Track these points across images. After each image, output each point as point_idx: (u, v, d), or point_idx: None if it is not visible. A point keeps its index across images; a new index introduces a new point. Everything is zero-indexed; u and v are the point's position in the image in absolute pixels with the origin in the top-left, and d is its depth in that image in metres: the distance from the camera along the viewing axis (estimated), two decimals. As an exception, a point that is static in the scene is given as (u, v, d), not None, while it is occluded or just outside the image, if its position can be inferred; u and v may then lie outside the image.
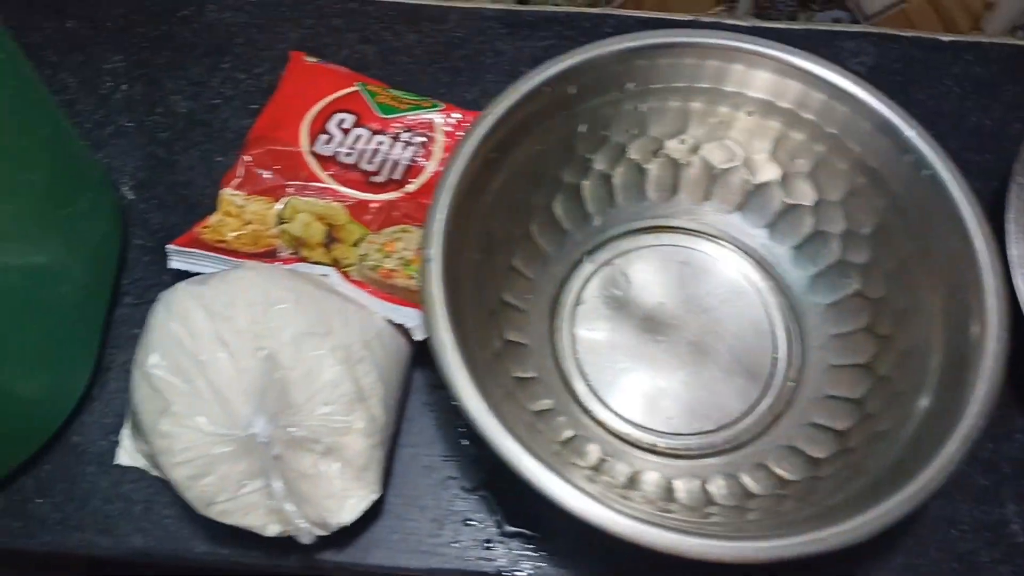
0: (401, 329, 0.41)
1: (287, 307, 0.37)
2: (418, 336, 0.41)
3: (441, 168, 0.44)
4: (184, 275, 0.44)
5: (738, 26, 0.52)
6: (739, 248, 0.46)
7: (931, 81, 0.51)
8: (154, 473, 0.40)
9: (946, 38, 0.52)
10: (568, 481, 0.33)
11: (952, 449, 0.34)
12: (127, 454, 0.41)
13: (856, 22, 0.52)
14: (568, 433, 0.41)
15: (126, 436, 0.41)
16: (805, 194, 0.44)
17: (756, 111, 0.44)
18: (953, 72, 0.51)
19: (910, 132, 0.40)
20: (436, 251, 0.37)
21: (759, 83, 0.43)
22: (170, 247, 0.44)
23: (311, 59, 0.48)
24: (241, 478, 0.36)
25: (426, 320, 0.36)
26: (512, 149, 0.41)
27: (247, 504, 0.36)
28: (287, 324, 0.37)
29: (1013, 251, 0.41)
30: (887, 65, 0.51)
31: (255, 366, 0.36)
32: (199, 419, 0.35)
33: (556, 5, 0.53)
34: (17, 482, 0.41)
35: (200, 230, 0.44)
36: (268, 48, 0.52)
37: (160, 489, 0.41)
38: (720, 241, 0.47)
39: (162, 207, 0.47)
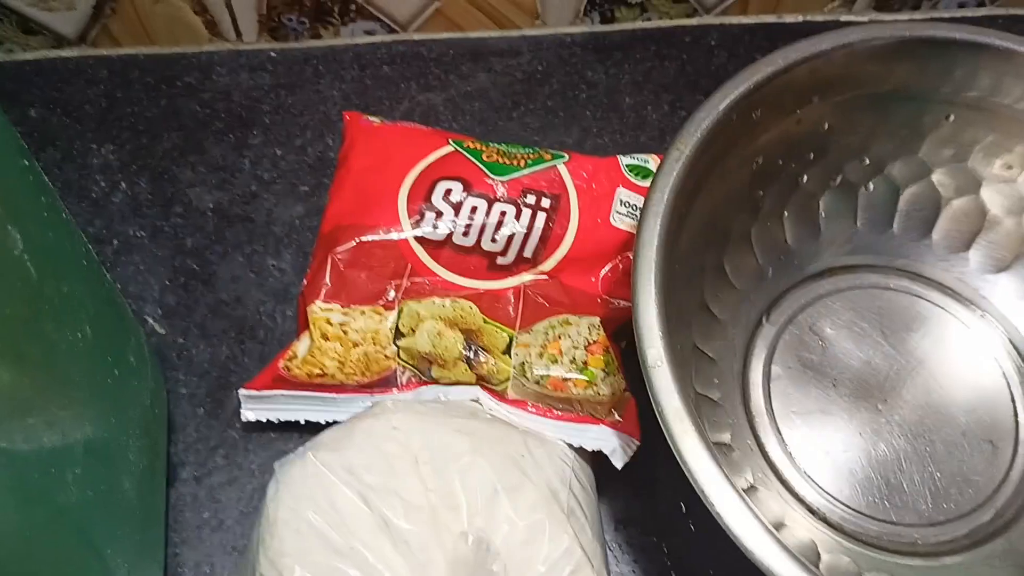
0: (584, 453, 0.31)
1: (468, 458, 0.26)
2: (619, 462, 0.30)
3: (582, 233, 0.35)
4: (261, 427, 0.33)
5: (857, 23, 0.45)
6: (942, 285, 0.38)
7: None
8: None
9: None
10: None
11: None
12: None
13: (981, 4, 0.45)
14: (807, 541, 0.32)
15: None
16: None
17: (950, 111, 0.36)
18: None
19: None
20: (659, 351, 0.27)
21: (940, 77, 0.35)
22: (243, 392, 0.32)
23: (375, 119, 0.38)
24: None
25: (669, 428, 0.26)
26: (693, 198, 0.32)
27: None
28: (476, 481, 0.26)
29: None
30: None
31: (458, 554, 0.25)
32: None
33: (648, 19, 0.44)
34: None
35: (284, 363, 0.32)
36: (305, 112, 0.41)
37: None
38: (918, 278, 0.38)
39: (206, 338, 0.36)
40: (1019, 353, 0.37)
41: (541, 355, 0.32)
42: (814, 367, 0.37)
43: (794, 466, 0.34)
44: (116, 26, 0.41)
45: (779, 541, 0.25)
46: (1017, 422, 0.36)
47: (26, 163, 0.24)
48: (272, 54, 0.42)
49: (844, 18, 0.45)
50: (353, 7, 0.41)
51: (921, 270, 0.39)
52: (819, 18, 0.45)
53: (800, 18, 0.45)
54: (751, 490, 0.33)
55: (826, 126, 0.36)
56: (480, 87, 0.42)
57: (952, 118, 0.36)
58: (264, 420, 0.33)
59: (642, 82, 0.43)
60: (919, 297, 0.38)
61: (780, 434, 0.35)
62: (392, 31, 0.43)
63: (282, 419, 0.33)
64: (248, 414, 0.33)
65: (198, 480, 0.33)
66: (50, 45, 0.42)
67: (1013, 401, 0.36)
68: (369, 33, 0.43)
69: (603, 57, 0.43)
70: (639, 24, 0.44)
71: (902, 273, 0.39)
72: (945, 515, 0.34)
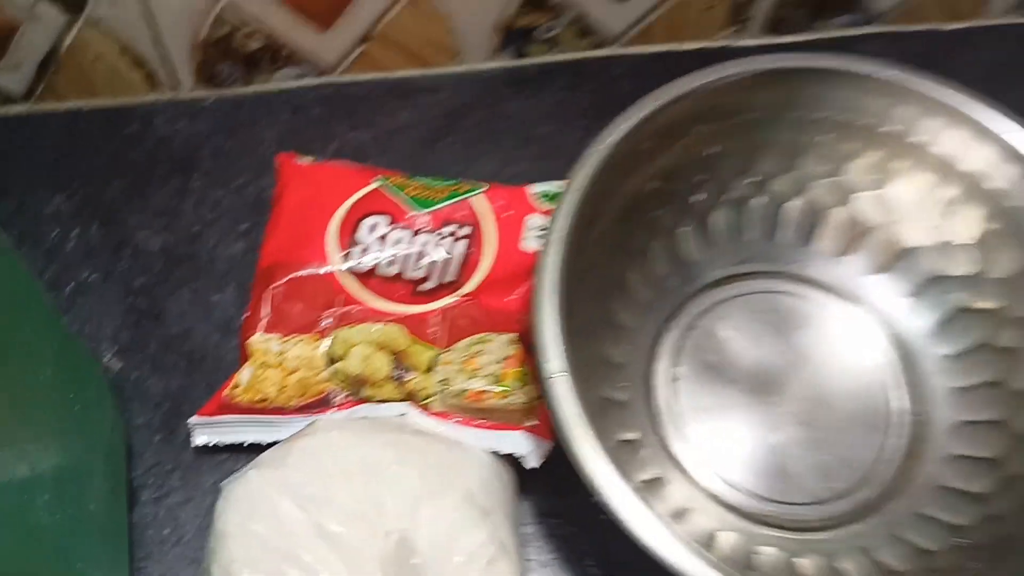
0: (504, 457, 0.35)
1: (394, 468, 0.30)
2: (531, 463, 0.34)
3: (500, 258, 0.38)
4: (211, 451, 0.36)
5: (752, 47, 0.49)
6: (816, 281, 0.42)
7: (952, 69, 0.48)
8: None
9: (949, 27, 0.50)
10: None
11: None
12: None
13: (867, 23, 0.50)
14: (709, 528, 0.36)
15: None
16: (919, 231, 0.41)
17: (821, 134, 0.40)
18: (969, 58, 0.49)
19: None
20: (559, 362, 0.31)
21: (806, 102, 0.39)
22: (194, 420, 0.36)
23: (305, 160, 0.41)
24: None
25: (566, 435, 0.30)
26: (593, 220, 0.36)
27: None
28: (400, 489, 0.30)
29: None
30: (907, 59, 0.49)
31: (384, 554, 0.28)
32: (327, 644, 0.27)
33: (558, 53, 0.48)
34: None
35: (229, 392, 0.35)
36: (243, 155, 0.44)
37: None
38: (800, 280, 0.43)
39: (158, 370, 0.39)
40: (892, 345, 0.41)
41: (462, 371, 0.35)
42: (713, 367, 0.41)
43: (697, 458, 0.38)
44: (60, 82, 0.44)
45: (668, 527, 0.29)
46: (889, 409, 0.40)
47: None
48: (209, 101, 0.46)
49: (739, 43, 0.49)
50: (283, 54, 0.45)
51: (807, 274, 0.43)
52: (716, 44, 0.49)
53: (698, 45, 0.49)
54: (657, 482, 0.37)
55: (711, 151, 0.40)
56: (406, 123, 0.46)
57: (823, 138, 0.41)
58: (214, 444, 0.36)
59: (555, 112, 0.46)
60: (806, 299, 0.42)
61: (683, 430, 0.39)
62: (321, 74, 0.46)
63: (230, 442, 0.36)
64: (199, 439, 0.36)
65: (157, 501, 0.36)
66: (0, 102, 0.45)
67: (889, 386, 0.41)
68: (299, 77, 0.46)
69: (519, 90, 0.47)
70: (550, 57, 0.48)
71: (790, 278, 0.43)
72: (831, 494, 0.38)
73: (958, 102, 0.38)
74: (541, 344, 0.31)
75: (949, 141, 0.38)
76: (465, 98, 0.46)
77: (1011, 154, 0.37)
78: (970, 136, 0.38)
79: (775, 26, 0.49)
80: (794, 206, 0.42)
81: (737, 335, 0.41)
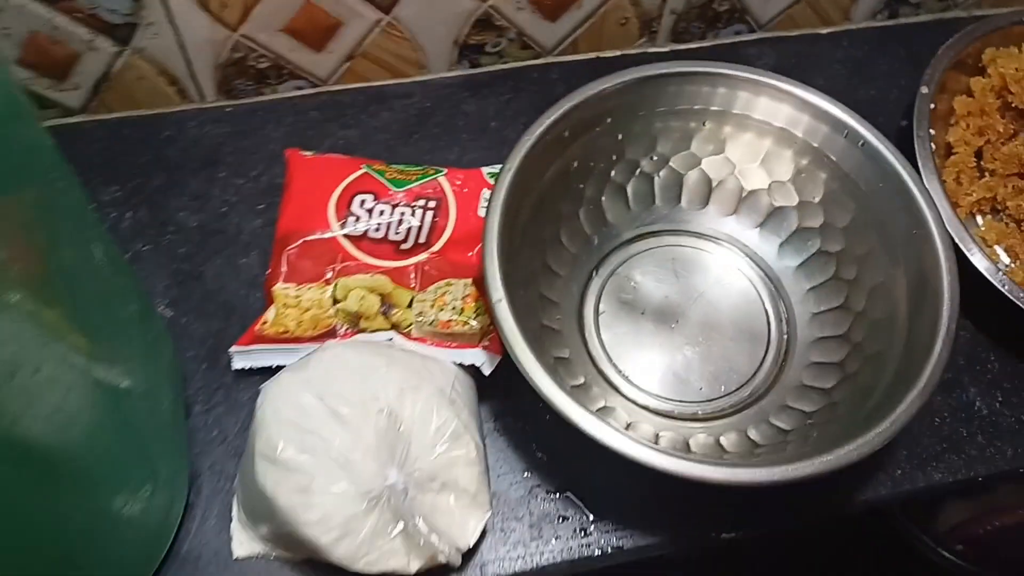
0: (467, 368, 0.46)
1: (384, 371, 0.42)
2: (487, 370, 0.46)
3: (459, 224, 0.50)
4: (246, 374, 0.48)
5: (662, 53, 0.61)
6: (713, 235, 0.55)
7: (822, 67, 0.61)
8: (275, 554, 0.43)
9: (824, 31, 0.63)
10: (623, 433, 0.40)
11: (939, 352, 0.43)
12: (242, 545, 0.44)
13: (753, 31, 0.62)
14: (624, 419, 0.48)
15: (237, 529, 0.44)
16: (760, 180, 0.53)
17: (706, 119, 0.52)
18: (837, 57, 0.62)
19: (842, 112, 0.49)
20: (500, 293, 0.43)
21: (693, 96, 0.51)
22: (234, 349, 0.47)
23: (308, 153, 0.53)
24: (384, 527, 0.40)
25: (509, 345, 0.42)
26: (524, 196, 0.48)
27: (390, 550, 0.41)
28: (388, 384, 0.42)
29: (930, 190, 0.51)
30: (785, 61, 0.61)
31: (378, 425, 0.40)
32: (340, 484, 0.39)
33: (505, 62, 0.59)
34: (145, 603, 0.43)
35: (259, 327, 0.47)
36: (257, 150, 0.56)
37: (282, 566, 0.44)
38: (696, 233, 0.55)
39: (201, 317, 0.50)
40: (769, 282, 0.53)
41: (433, 306, 0.47)
42: (629, 303, 0.53)
43: (615, 369, 0.50)
44: (109, 97, 0.56)
45: (587, 408, 0.40)
46: (769, 326, 0.52)
47: (90, 207, 0.39)
48: (228, 109, 0.57)
49: (651, 49, 0.61)
50: (285, 71, 0.56)
51: (703, 230, 0.55)
52: (632, 51, 0.61)
53: (617, 52, 0.61)
54: (584, 386, 0.49)
55: (620, 136, 0.52)
56: (384, 123, 0.57)
57: (707, 124, 0.53)
58: (248, 368, 0.48)
59: (503, 110, 0.58)
60: (701, 249, 0.54)
61: (605, 349, 0.51)
62: (316, 85, 0.58)
63: (261, 365, 0.48)
64: (237, 364, 0.48)
65: (207, 412, 0.48)
66: (61, 115, 0.56)
67: (767, 313, 0.53)
68: (299, 88, 0.58)
69: (474, 93, 0.59)
70: (499, 66, 0.60)
71: (690, 234, 0.55)
72: (717, 394, 0.50)
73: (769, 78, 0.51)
74: (487, 282, 0.43)
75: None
76: (431, 101, 0.58)
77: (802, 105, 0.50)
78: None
79: (678, 36, 0.61)
80: (689, 177, 0.54)
81: (646, 279, 0.53)
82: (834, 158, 0.50)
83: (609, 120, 0.50)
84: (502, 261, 0.44)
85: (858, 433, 0.41)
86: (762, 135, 0.52)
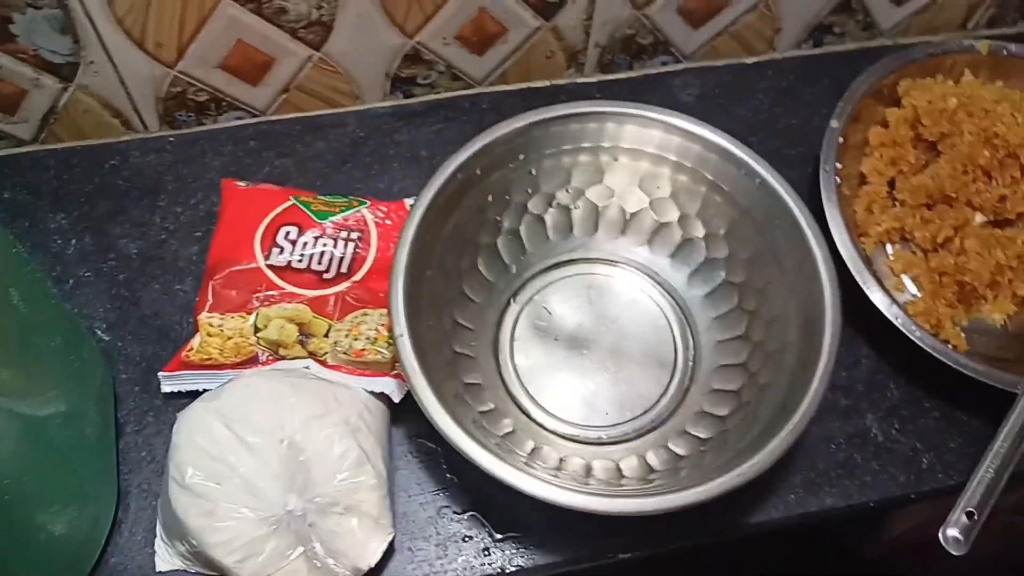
0: (379, 396, 0.49)
1: (292, 400, 0.45)
2: (396, 398, 0.49)
3: (380, 254, 0.53)
4: (175, 396, 0.51)
5: (590, 83, 0.63)
6: (628, 264, 0.57)
7: (746, 97, 0.63)
8: (194, 569, 0.47)
9: (749, 60, 0.64)
10: (514, 466, 0.42)
11: (817, 386, 0.45)
12: (164, 560, 0.47)
13: (679, 62, 0.64)
14: (530, 445, 0.50)
15: (161, 545, 0.48)
16: (671, 211, 0.55)
17: (618, 154, 0.54)
18: (761, 87, 0.64)
19: (744, 155, 0.51)
20: (402, 327, 0.46)
21: (602, 134, 0.54)
22: (162, 374, 0.51)
23: (242, 183, 0.56)
24: (284, 550, 0.43)
25: (408, 379, 0.44)
26: (440, 228, 0.50)
27: (292, 570, 0.44)
28: (294, 413, 0.45)
29: (830, 223, 0.54)
30: (710, 91, 0.63)
31: (280, 454, 0.43)
32: (243, 510, 0.42)
33: (437, 93, 0.62)
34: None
35: (185, 354, 0.50)
36: (197, 179, 0.59)
37: (203, 579, 0.47)
38: (612, 262, 0.57)
39: (137, 341, 0.54)
40: (678, 309, 0.56)
41: (348, 335, 0.50)
42: (543, 330, 0.55)
43: (527, 395, 0.53)
44: (58, 129, 0.59)
45: (482, 444, 0.43)
46: (676, 353, 0.55)
47: (13, 249, 0.42)
48: (170, 139, 0.60)
49: (579, 80, 0.63)
50: (224, 103, 0.59)
51: (618, 258, 0.57)
52: (561, 82, 0.63)
53: (547, 83, 0.63)
54: (493, 412, 0.51)
55: (533, 171, 0.54)
56: (319, 152, 0.60)
57: (618, 159, 0.55)
58: (176, 391, 0.51)
59: (435, 140, 0.61)
60: (616, 277, 0.57)
61: (518, 375, 0.54)
62: (255, 116, 0.61)
63: (188, 389, 0.51)
64: (165, 388, 0.51)
65: (138, 432, 0.51)
66: (14, 144, 0.59)
67: (675, 340, 0.55)
68: (239, 118, 0.61)
69: (407, 123, 0.61)
70: (431, 96, 0.62)
71: (606, 262, 0.57)
72: (622, 419, 0.53)
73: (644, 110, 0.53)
74: (391, 316, 0.46)
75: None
76: (365, 130, 0.61)
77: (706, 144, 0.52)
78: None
79: (605, 67, 0.63)
80: (605, 208, 0.56)
81: (562, 306, 0.56)
82: (736, 195, 0.52)
83: (522, 157, 0.53)
84: (408, 296, 0.47)
85: (736, 464, 0.44)
86: (675, 170, 0.54)
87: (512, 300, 0.56)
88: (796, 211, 0.50)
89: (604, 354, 0.54)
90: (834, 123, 0.57)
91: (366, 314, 0.51)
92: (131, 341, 0.54)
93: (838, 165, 0.56)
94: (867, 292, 0.52)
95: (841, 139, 0.56)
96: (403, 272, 0.47)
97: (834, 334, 0.46)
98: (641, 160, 0.54)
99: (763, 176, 0.51)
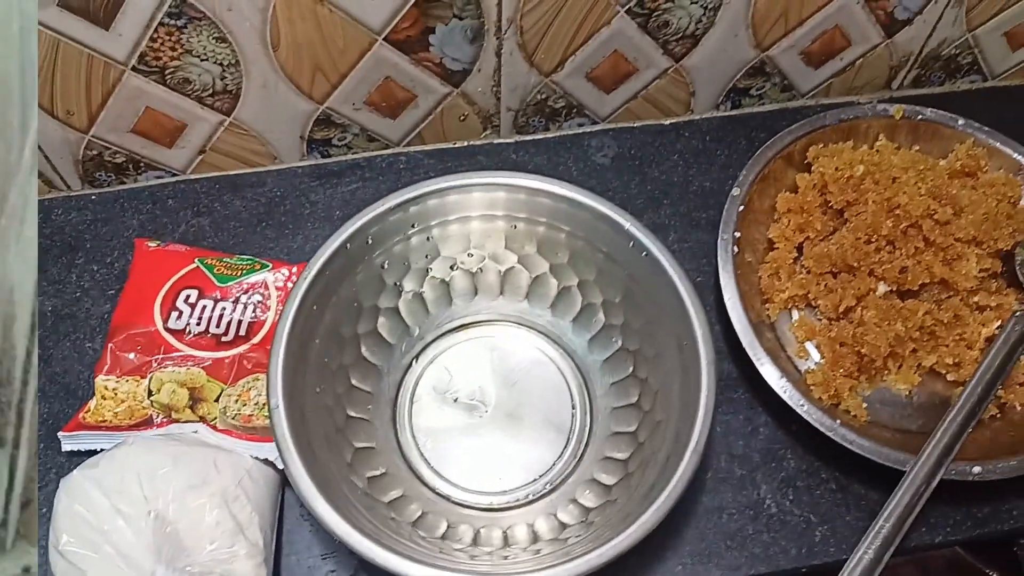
0: (267, 461, 0.50)
1: (168, 470, 0.46)
2: (280, 464, 0.50)
3: (278, 318, 0.54)
4: (79, 454, 0.53)
5: (507, 144, 0.64)
6: (532, 327, 0.57)
7: (661, 158, 0.63)
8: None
9: (667, 122, 0.65)
10: (387, 546, 0.43)
11: (684, 470, 0.45)
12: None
13: (595, 123, 0.64)
14: (417, 512, 0.51)
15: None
16: (570, 278, 0.56)
17: (516, 222, 0.55)
18: (677, 148, 0.64)
19: (627, 223, 0.52)
20: (278, 399, 0.46)
21: (500, 202, 0.54)
22: (61, 434, 0.52)
23: (152, 244, 0.57)
24: (155, 618, 0.44)
25: (281, 453, 0.45)
26: (331, 294, 0.51)
27: (166, 638, 0.45)
28: (169, 484, 0.46)
29: (724, 293, 0.54)
30: (626, 152, 0.63)
31: (151, 525, 0.44)
32: (111, 580, 0.43)
33: (355, 153, 0.63)
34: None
35: (83, 416, 0.52)
36: (114, 237, 0.60)
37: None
38: (516, 324, 0.58)
39: (45, 398, 0.55)
40: (576, 373, 0.56)
41: (237, 401, 0.51)
42: (443, 391, 0.56)
43: (422, 459, 0.54)
44: (-16, 186, 0.61)
45: (348, 516, 0.44)
46: (574, 417, 0.55)
47: None
48: (92, 197, 0.62)
49: (497, 141, 0.64)
50: (142, 163, 0.61)
51: (522, 320, 0.58)
52: (478, 142, 0.64)
53: (465, 143, 0.64)
54: (383, 476, 0.52)
55: (429, 237, 0.55)
56: (235, 211, 0.61)
57: (517, 226, 0.55)
58: (76, 449, 0.52)
59: (351, 199, 0.62)
60: (519, 338, 0.57)
61: (415, 439, 0.54)
62: (174, 175, 0.62)
63: (87, 448, 0.52)
64: (67, 447, 0.52)
65: (41, 489, 0.52)
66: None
67: (573, 404, 0.56)
68: (158, 177, 0.62)
69: (323, 182, 0.62)
70: (348, 156, 0.63)
71: (509, 322, 0.58)
72: (515, 485, 0.53)
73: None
74: (267, 388, 0.47)
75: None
76: (282, 189, 0.62)
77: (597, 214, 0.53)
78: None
79: (521, 129, 0.63)
80: (507, 273, 0.57)
81: (463, 367, 0.56)
82: (627, 265, 0.53)
83: (415, 225, 0.54)
84: (291, 365, 0.48)
85: (612, 536, 0.44)
86: (571, 237, 0.55)
87: (414, 362, 0.57)
88: (679, 284, 0.50)
89: (503, 418, 0.55)
90: (735, 191, 0.57)
91: (257, 379, 0.52)
92: (40, 398, 0.55)
93: (736, 234, 0.56)
94: (756, 365, 0.52)
95: (742, 206, 0.57)
96: (283, 343, 0.48)
97: (706, 415, 0.46)
98: (538, 226, 0.55)
99: (649, 248, 0.51)
